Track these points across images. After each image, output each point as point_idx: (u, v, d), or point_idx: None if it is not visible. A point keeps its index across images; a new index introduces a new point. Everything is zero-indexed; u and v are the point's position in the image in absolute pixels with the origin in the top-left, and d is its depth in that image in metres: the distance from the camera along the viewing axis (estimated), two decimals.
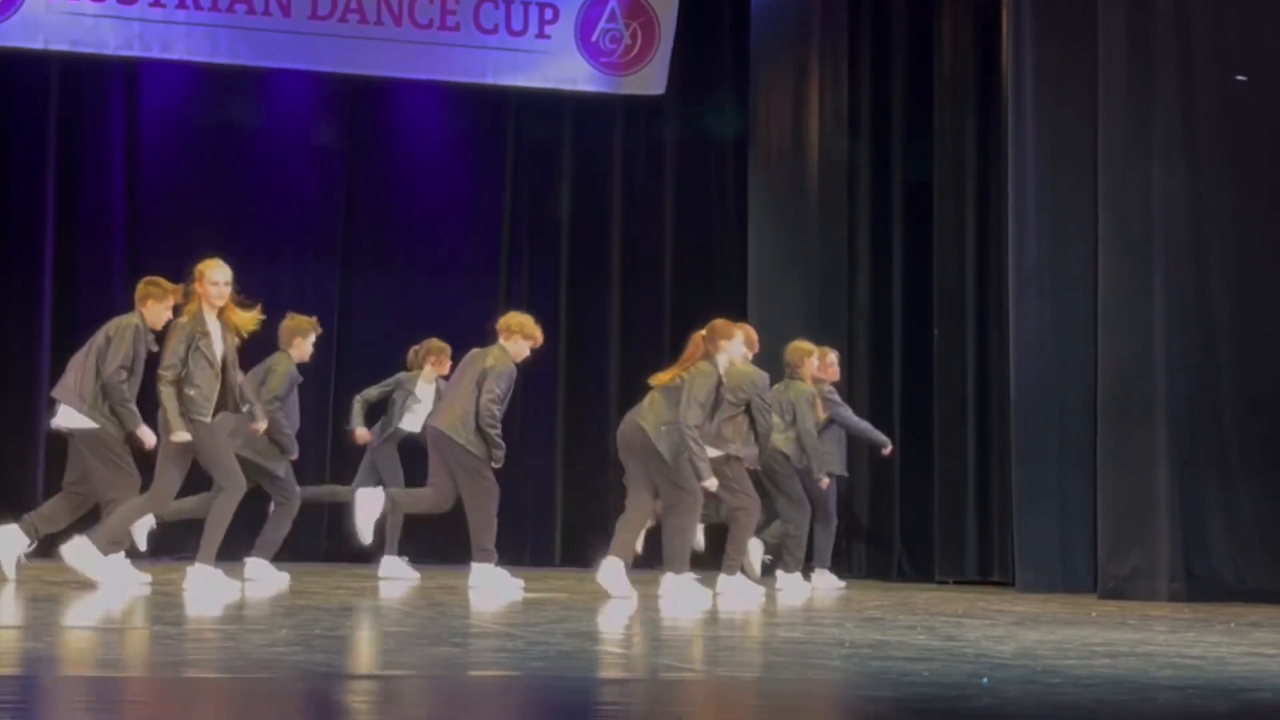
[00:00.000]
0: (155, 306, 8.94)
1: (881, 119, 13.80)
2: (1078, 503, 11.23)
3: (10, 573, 8.55)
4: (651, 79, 14.02)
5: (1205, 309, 10.59)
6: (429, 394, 11.19)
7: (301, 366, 10.28)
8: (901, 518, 13.29)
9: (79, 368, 8.88)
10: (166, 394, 8.45)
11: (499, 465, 9.63)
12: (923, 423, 13.19)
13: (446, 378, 11.01)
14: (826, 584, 11.09)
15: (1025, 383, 11.48)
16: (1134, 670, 5.06)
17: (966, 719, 3.60)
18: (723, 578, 9.48)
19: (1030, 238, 11.50)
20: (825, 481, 10.92)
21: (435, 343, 11.38)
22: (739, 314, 13.19)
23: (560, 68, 13.83)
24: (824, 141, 13.71)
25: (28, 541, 8.71)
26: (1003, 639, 6.26)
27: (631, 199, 14.52)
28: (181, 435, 8.38)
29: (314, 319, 10.41)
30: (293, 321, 10.27)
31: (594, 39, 13.88)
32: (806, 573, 11.09)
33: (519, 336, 9.82)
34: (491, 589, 9.22)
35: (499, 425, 9.60)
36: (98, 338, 8.92)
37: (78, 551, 8.34)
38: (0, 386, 13.07)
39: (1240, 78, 10.62)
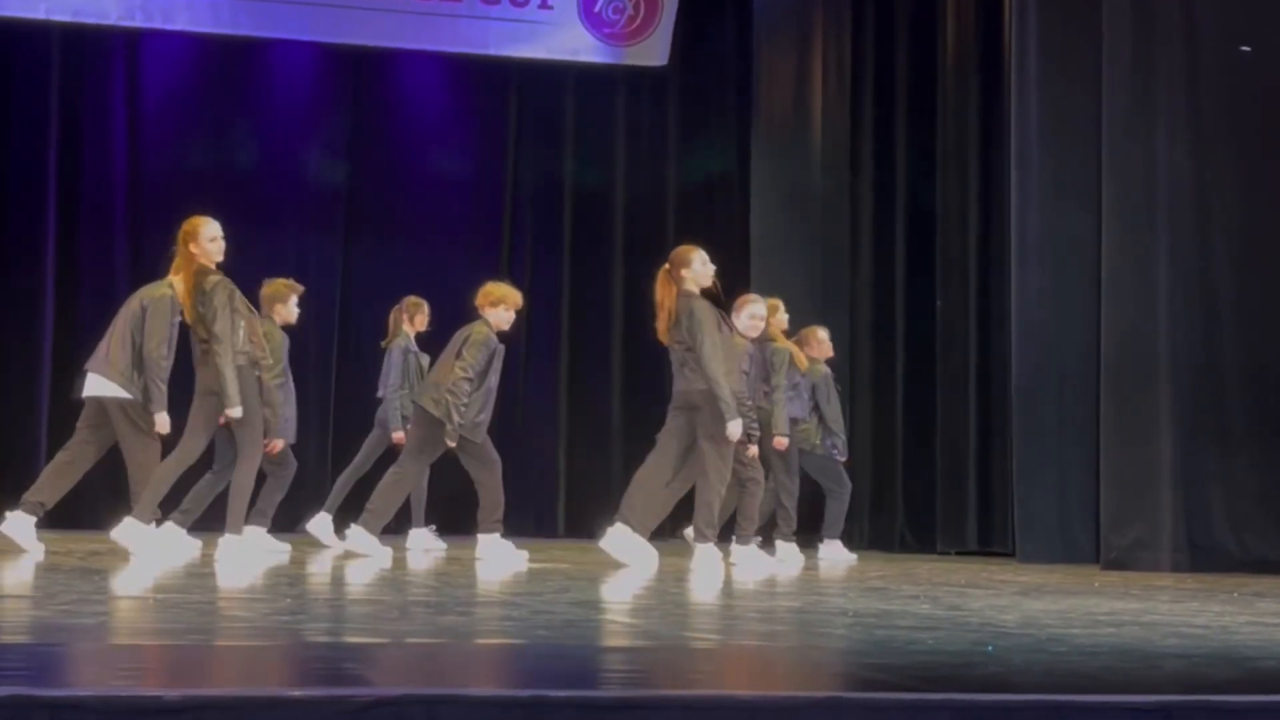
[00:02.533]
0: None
1: (885, 90, 13.78)
2: (1079, 474, 11.25)
3: (32, 545, 8.56)
4: (654, 50, 14.00)
5: (1209, 279, 10.57)
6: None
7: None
8: (904, 489, 13.32)
9: (112, 338, 8.84)
10: (226, 363, 8.43)
11: (452, 442, 9.45)
12: (925, 394, 13.21)
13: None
14: (836, 555, 11.05)
15: (1027, 354, 11.49)
16: (1139, 639, 5.06)
17: (972, 687, 3.59)
18: (735, 547, 9.50)
19: (1033, 209, 11.49)
20: (782, 440, 10.53)
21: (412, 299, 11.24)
22: (742, 286, 13.19)
23: (563, 38, 13.81)
24: (827, 113, 13.69)
25: (34, 519, 8.71)
26: (1007, 608, 6.26)
27: (634, 170, 14.50)
28: (236, 411, 8.44)
29: (290, 280, 10.26)
30: (270, 287, 10.16)
31: (597, 10, 13.85)
32: (815, 542, 11.10)
33: (501, 305, 9.75)
34: (498, 559, 9.28)
35: (463, 398, 9.41)
36: (131, 306, 8.85)
37: (128, 532, 8.35)
38: (1, 358, 13.08)
39: (1244, 49, 10.59)
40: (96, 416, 8.82)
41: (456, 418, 9.32)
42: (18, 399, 12.95)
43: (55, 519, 9.31)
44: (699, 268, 9.18)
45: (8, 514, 8.68)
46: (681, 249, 9.31)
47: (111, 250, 13.22)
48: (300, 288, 10.26)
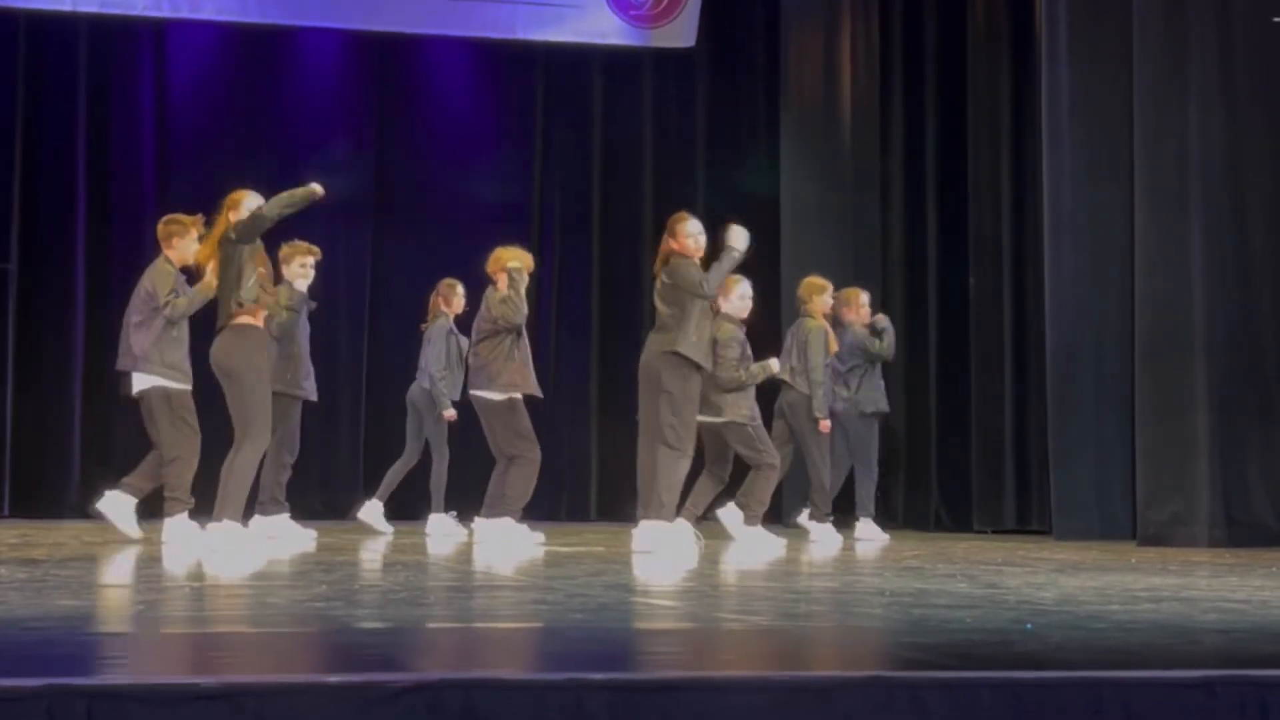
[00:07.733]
0: (180, 244, 8.94)
1: (915, 66, 13.72)
2: (1115, 450, 11.20)
3: (134, 532, 8.69)
4: (681, 31, 13.95)
5: (1243, 253, 10.50)
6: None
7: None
8: (939, 467, 13.27)
9: (132, 329, 8.86)
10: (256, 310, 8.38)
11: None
12: (959, 372, 13.16)
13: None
14: (869, 533, 10.96)
15: (1061, 329, 11.43)
16: (1178, 615, 5.03)
17: (1012, 664, 3.57)
18: (744, 527, 9.57)
19: (1066, 183, 11.42)
20: (825, 424, 10.60)
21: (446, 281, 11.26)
22: (772, 264, 13.17)
23: (589, 22, 13.77)
24: (856, 90, 13.63)
25: (134, 500, 8.81)
26: (1044, 586, 6.23)
27: (663, 152, 14.47)
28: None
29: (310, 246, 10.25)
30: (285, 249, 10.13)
31: None
32: (849, 522, 11.05)
33: (511, 263, 9.75)
34: (506, 542, 9.31)
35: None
36: (139, 293, 8.91)
37: (221, 535, 8.30)
38: (35, 346, 13.13)
39: (1277, 19, 10.49)
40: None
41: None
42: (50, 384, 12.99)
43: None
44: (696, 234, 8.98)
45: (107, 493, 8.88)
46: (681, 215, 9.08)
47: (141, 240, 13.17)
48: (316, 250, 10.26)
